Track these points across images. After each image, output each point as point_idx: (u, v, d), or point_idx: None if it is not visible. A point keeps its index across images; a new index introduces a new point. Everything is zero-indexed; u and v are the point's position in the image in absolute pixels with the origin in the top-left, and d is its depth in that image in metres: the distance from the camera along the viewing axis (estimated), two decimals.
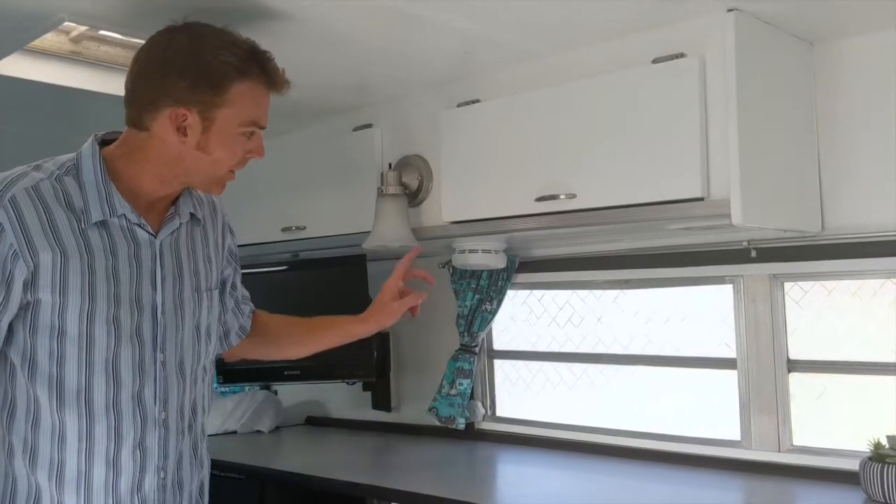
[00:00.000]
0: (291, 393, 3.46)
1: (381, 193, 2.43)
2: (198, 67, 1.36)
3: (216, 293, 1.57)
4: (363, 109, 2.64)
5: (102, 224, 1.37)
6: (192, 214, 1.51)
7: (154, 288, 1.41)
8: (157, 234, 1.43)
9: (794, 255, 2.19)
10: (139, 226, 1.40)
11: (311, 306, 2.56)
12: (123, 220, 1.38)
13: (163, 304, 1.43)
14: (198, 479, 1.55)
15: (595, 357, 2.72)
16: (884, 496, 1.87)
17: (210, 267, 1.55)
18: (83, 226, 1.35)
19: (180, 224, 1.48)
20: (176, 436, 1.46)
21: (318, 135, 2.79)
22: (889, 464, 1.87)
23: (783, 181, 2.03)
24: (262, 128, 1.45)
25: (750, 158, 1.87)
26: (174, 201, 1.48)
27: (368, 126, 2.62)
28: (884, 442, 1.93)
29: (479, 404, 2.90)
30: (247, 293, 1.75)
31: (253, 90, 1.41)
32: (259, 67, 1.41)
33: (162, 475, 1.44)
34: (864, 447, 1.95)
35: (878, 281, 2.13)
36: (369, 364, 2.95)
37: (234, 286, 1.69)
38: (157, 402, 1.42)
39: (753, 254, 2.25)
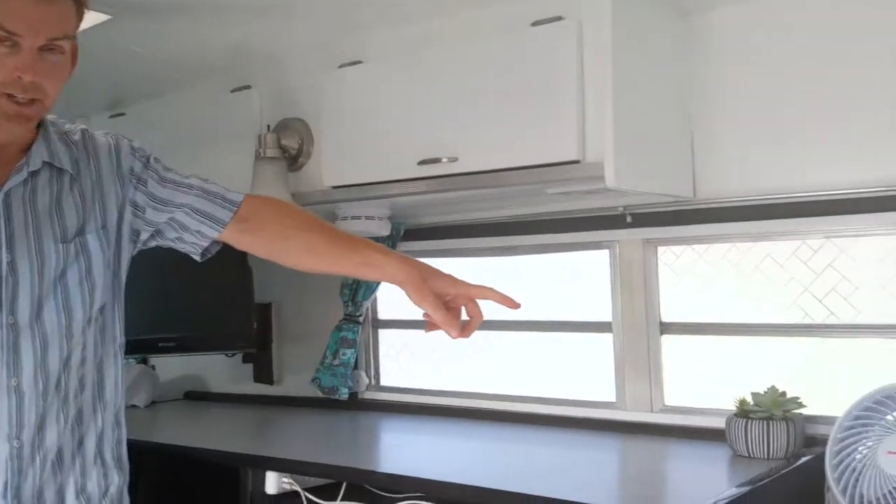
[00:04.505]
0: (169, 367, 3.34)
1: (258, 157, 2.36)
2: None
3: (103, 233, 1.43)
4: (241, 70, 2.56)
5: None
6: (49, 164, 1.40)
7: None
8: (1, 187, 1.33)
9: (666, 220, 2.25)
10: None
11: (185, 279, 2.50)
12: None
13: (11, 262, 1.33)
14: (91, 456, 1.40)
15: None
16: (747, 450, 1.95)
17: (86, 210, 1.39)
18: None
19: (30, 173, 1.38)
20: (36, 401, 1.36)
21: (194, 97, 2.69)
22: (752, 419, 1.95)
23: (657, 147, 2.07)
24: (13, 34, 1.24)
25: (624, 123, 1.90)
26: (28, 148, 1.37)
27: (246, 87, 2.54)
28: (748, 399, 2.01)
29: (363, 374, 2.88)
30: (208, 211, 1.44)
31: None
32: None
33: (16, 444, 1.35)
34: (732, 405, 2.03)
35: (746, 244, 2.21)
36: (249, 335, 2.89)
37: (154, 207, 1.45)
38: (6, 367, 1.33)
39: (629, 219, 2.30)
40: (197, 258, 1.49)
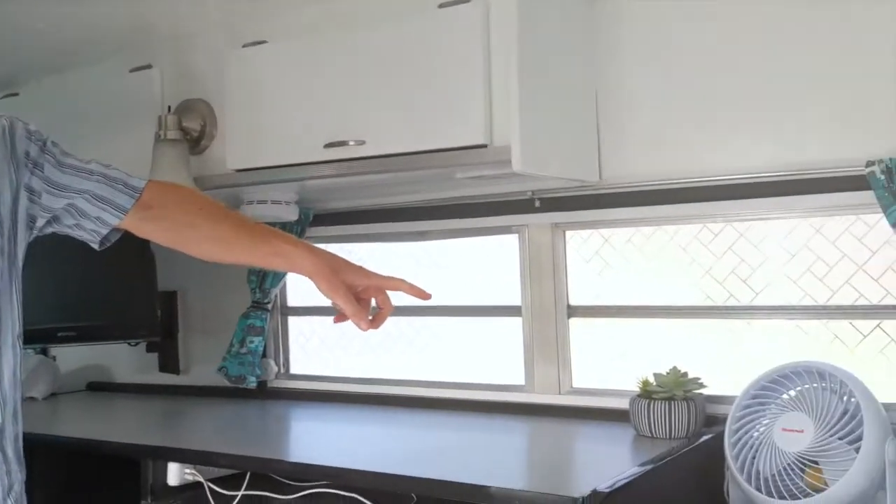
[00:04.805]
0: (70, 357, 3.22)
1: (159, 139, 2.28)
2: None
3: None
4: (142, 49, 2.47)
5: None
6: None
7: None
8: None
9: (574, 205, 2.27)
10: None
11: (85, 266, 2.41)
12: None
13: None
14: None
15: None
16: (650, 430, 1.98)
17: None
18: None
19: None
20: None
21: (91, 76, 2.58)
22: (655, 400, 1.99)
23: (563, 131, 2.08)
24: None
25: (531, 107, 1.90)
26: None
27: (147, 67, 2.45)
28: (651, 380, 2.05)
29: (272, 362, 2.83)
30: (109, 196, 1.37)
31: None
32: None
33: None
34: (636, 387, 2.06)
35: (650, 228, 2.24)
36: (153, 323, 2.81)
37: (51, 193, 1.37)
38: None
39: (537, 203, 2.31)
40: (95, 246, 1.42)
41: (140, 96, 2.44)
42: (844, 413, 1.72)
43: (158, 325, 2.83)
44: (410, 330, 2.70)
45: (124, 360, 3.13)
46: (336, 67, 2.10)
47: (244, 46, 2.24)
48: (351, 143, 2.06)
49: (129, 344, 2.95)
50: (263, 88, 2.20)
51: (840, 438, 1.70)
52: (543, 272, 2.34)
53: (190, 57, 2.40)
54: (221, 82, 2.28)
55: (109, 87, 2.53)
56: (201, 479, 2.02)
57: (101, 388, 3.18)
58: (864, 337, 1.99)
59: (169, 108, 2.35)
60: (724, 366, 2.14)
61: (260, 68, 2.21)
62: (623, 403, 2.10)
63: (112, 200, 1.37)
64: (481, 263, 2.58)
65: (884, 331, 1.97)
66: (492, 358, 2.55)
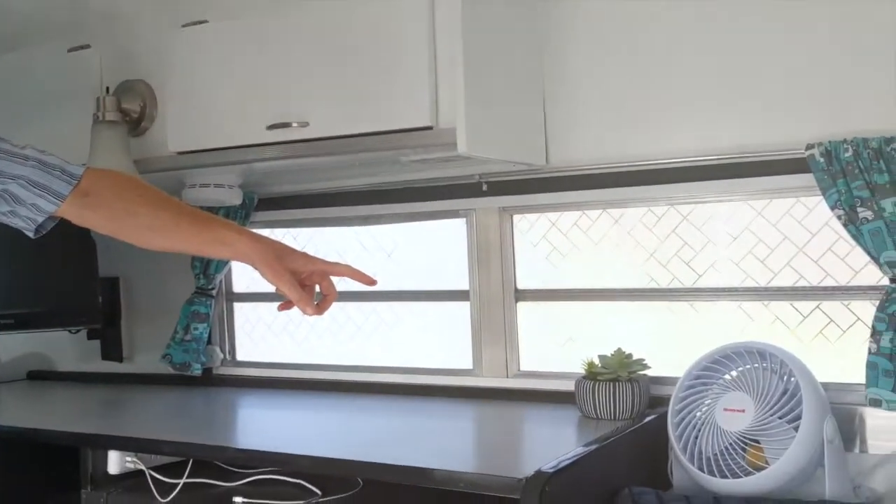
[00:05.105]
0: (10, 345, 3.13)
1: (97, 121, 2.22)
2: None
3: None
4: (79, 29, 2.40)
5: None
6: None
7: None
8: None
9: (521, 189, 2.27)
10: None
11: (23, 252, 2.34)
12: None
13: None
14: None
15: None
16: (595, 411, 2.00)
17: None
18: None
19: None
20: None
21: (27, 57, 2.50)
22: (599, 381, 2.00)
23: (509, 114, 2.08)
24: None
25: (476, 89, 1.89)
26: None
27: (85, 47, 2.38)
28: (596, 361, 2.06)
29: (217, 349, 2.79)
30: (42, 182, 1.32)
31: None
32: None
33: None
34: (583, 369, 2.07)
35: (595, 212, 2.25)
36: (94, 310, 2.74)
37: None
38: None
39: (484, 187, 2.30)
40: (30, 234, 1.38)
41: (78, 77, 2.37)
42: (784, 392, 1.75)
43: (99, 312, 2.77)
44: (359, 315, 2.68)
45: (66, 348, 3.06)
46: (279, 48, 2.06)
47: (184, 26, 2.19)
48: (294, 124, 2.02)
49: (69, 331, 2.88)
50: (205, 69, 2.16)
51: (780, 417, 1.73)
52: (491, 256, 2.34)
53: (129, 37, 2.34)
54: (161, 63, 2.22)
55: (46, 68, 2.45)
56: (143, 467, 1.98)
57: (42, 376, 3.11)
58: (804, 318, 2.02)
59: (107, 89, 2.29)
60: (669, 348, 2.16)
61: (201, 48, 2.16)
62: (570, 386, 2.10)
63: (49, 187, 1.33)
64: (430, 248, 2.56)
65: (823, 312, 2.00)
66: (440, 343, 2.54)
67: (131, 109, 2.28)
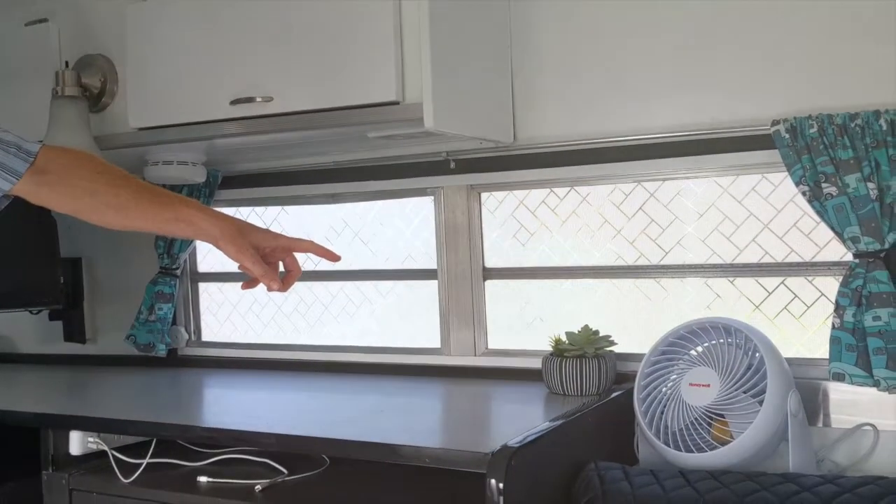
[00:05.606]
0: None
1: (56, 96, 2.17)
2: None
3: None
4: (37, 2, 2.34)
5: None
6: None
7: None
8: None
9: (489, 166, 2.25)
10: None
11: None
12: None
13: None
14: None
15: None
16: (562, 387, 2.00)
17: None
18: None
19: None
20: None
21: None
22: (566, 358, 2.00)
23: (477, 90, 2.06)
24: None
25: (443, 65, 1.87)
26: None
27: (43, 21, 2.33)
28: (563, 338, 2.06)
29: (182, 329, 2.76)
30: None
31: None
32: None
33: None
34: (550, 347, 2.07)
35: (563, 189, 2.25)
36: (55, 291, 2.69)
37: None
38: None
39: (452, 165, 2.29)
40: None
41: (36, 51, 2.32)
42: (749, 367, 1.76)
43: (61, 293, 2.72)
44: (326, 295, 2.66)
45: (28, 330, 3.01)
46: (242, 21, 2.02)
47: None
48: (258, 99, 1.99)
49: (30, 312, 2.83)
50: (166, 43, 2.11)
51: (745, 392, 1.74)
52: (459, 234, 2.33)
53: (88, 10, 2.28)
54: (122, 37, 2.17)
55: (3, 42, 2.39)
56: (105, 448, 1.95)
57: (3, 359, 3.05)
58: (769, 294, 2.03)
59: (66, 63, 2.24)
60: (636, 324, 2.17)
61: (162, 21, 2.12)
62: (537, 363, 2.10)
63: (4, 164, 1.29)
64: (398, 227, 2.55)
65: (788, 288, 2.01)
66: (408, 322, 2.53)
67: (91, 84, 2.23)
